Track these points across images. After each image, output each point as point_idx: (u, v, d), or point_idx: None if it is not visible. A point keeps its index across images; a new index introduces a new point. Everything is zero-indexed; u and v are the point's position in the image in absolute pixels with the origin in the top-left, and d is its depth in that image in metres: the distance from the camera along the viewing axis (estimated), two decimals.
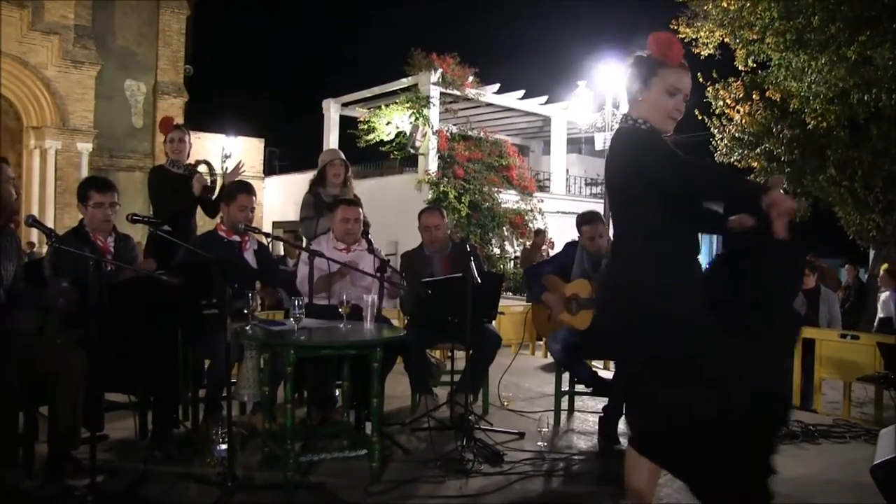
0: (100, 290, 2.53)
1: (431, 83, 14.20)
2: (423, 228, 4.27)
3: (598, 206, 10.82)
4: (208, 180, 4.45)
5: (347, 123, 16.40)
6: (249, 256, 3.78)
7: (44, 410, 2.85)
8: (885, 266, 7.49)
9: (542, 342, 6.68)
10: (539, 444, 3.48)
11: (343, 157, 4.58)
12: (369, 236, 4.08)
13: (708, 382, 1.98)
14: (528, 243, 12.61)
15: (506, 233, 14.84)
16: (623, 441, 3.68)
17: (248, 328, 2.98)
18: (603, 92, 13.20)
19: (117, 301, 2.83)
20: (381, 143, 14.96)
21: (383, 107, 14.89)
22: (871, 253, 10.35)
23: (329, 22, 39.39)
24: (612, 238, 4.03)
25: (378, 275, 3.73)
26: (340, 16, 38.35)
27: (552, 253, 9.53)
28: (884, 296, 7.87)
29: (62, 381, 2.73)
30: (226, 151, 17.85)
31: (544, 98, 16.49)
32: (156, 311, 3.06)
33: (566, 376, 4.12)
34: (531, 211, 15.15)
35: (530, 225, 14.54)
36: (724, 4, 8.45)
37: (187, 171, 4.36)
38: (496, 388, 4.33)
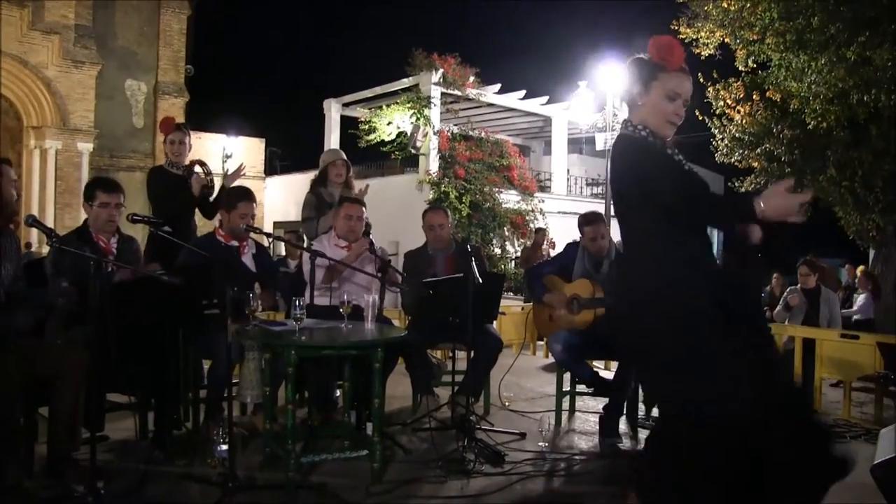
0: (101, 290, 2.54)
1: (432, 83, 14.20)
2: (428, 227, 4.27)
3: (599, 207, 10.82)
4: (206, 180, 4.45)
5: (348, 123, 16.40)
6: (248, 261, 3.78)
7: (44, 411, 2.86)
8: (861, 268, 7.51)
9: (542, 342, 6.68)
10: (540, 444, 3.49)
11: (345, 157, 4.58)
12: (370, 236, 4.08)
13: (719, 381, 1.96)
14: (528, 243, 12.61)
15: (507, 233, 14.83)
16: (624, 440, 3.69)
17: (248, 328, 2.99)
18: (604, 92, 13.19)
19: (118, 301, 2.84)
20: (382, 143, 14.96)
21: (384, 107, 14.89)
22: (871, 253, 10.35)
23: (330, 22, 39.39)
24: (614, 240, 4.05)
25: (378, 275, 3.73)
26: (341, 16, 38.37)
27: (552, 253, 9.54)
28: (861, 298, 7.90)
29: (62, 381, 2.73)
30: (227, 151, 17.87)
31: (545, 98, 16.49)
32: (157, 311, 3.06)
33: (567, 376, 4.12)
34: (532, 211, 15.15)
35: (531, 225, 14.52)
36: (725, 5, 8.45)
37: (185, 171, 4.36)
38: (497, 388, 4.33)
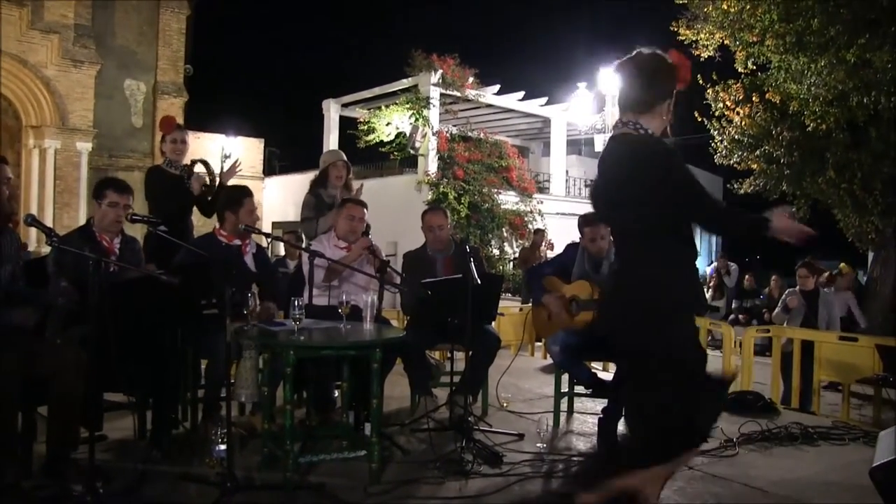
0: (100, 289, 2.53)
1: (431, 84, 14.20)
2: (427, 228, 4.27)
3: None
4: (206, 180, 4.45)
5: (347, 124, 16.39)
6: (249, 260, 3.79)
7: (43, 410, 2.85)
8: (843, 266, 7.51)
9: (541, 343, 6.68)
10: (538, 445, 3.48)
11: (345, 158, 4.59)
12: (369, 237, 4.08)
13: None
14: (527, 244, 12.61)
15: (505, 234, 14.83)
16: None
17: (247, 328, 2.99)
18: (603, 93, 13.20)
19: (117, 301, 2.83)
20: (381, 143, 14.95)
21: (383, 107, 14.89)
22: (870, 255, 10.35)
23: (329, 22, 39.39)
24: (612, 240, 4.05)
25: (378, 275, 3.73)
26: (341, 16, 38.37)
27: (550, 254, 9.54)
28: (845, 296, 7.91)
29: (61, 380, 2.72)
30: (226, 151, 17.83)
31: (544, 99, 16.49)
32: (155, 310, 3.06)
33: (565, 378, 4.12)
34: (531, 212, 15.14)
35: (530, 226, 14.52)
36: (724, 7, 8.44)
37: (184, 171, 4.36)
38: (495, 389, 4.33)
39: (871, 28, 7.27)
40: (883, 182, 8.33)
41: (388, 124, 14.65)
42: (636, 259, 2.21)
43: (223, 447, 2.69)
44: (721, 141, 9.85)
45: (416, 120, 14.18)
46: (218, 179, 4.51)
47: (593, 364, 5.02)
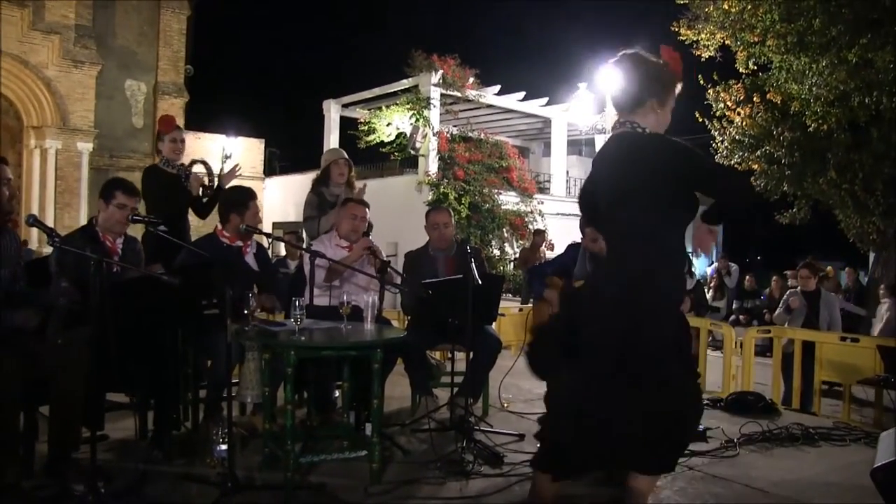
0: (102, 290, 2.53)
1: (432, 84, 14.20)
2: (432, 226, 4.27)
3: None
4: (205, 180, 4.46)
5: (348, 124, 16.39)
6: (250, 260, 3.80)
7: (44, 410, 2.85)
8: (829, 269, 7.51)
9: None
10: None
11: (346, 156, 4.59)
12: (370, 237, 4.08)
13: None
14: (527, 244, 12.60)
15: (506, 234, 14.83)
16: None
17: (248, 329, 2.99)
18: (603, 94, 13.20)
19: (119, 301, 2.83)
20: (382, 144, 14.96)
21: (384, 108, 14.89)
22: (872, 256, 10.35)
23: (329, 22, 39.41)
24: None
25: (378, 275, 3.73)
26: (341, 16, 38.38)
27: (550, 255, 9.54)
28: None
29: (62, 380, 2.73)
30: (226, 152, 17.84)
31: (545, 100, 16.49)
32: (157, 311, 3.06)
33: None
34: (531, 213, 15.15)
35: (530, 227, 14.52)
36: (725, 7, 8.44)
37: (181, 170, 4.36)
38: (496, 389, 4.33)
39: (872, 28, 7.27)
40: (884, 182, 8.33)
41: (388, 125, 14.65)
42: (633, 256, 2.21)
43: (224, 447, 2.69)
44: (722, 141, 9.85)
45: (417, 120, 14.18)
46: (217, 181, 4.52)
47: None
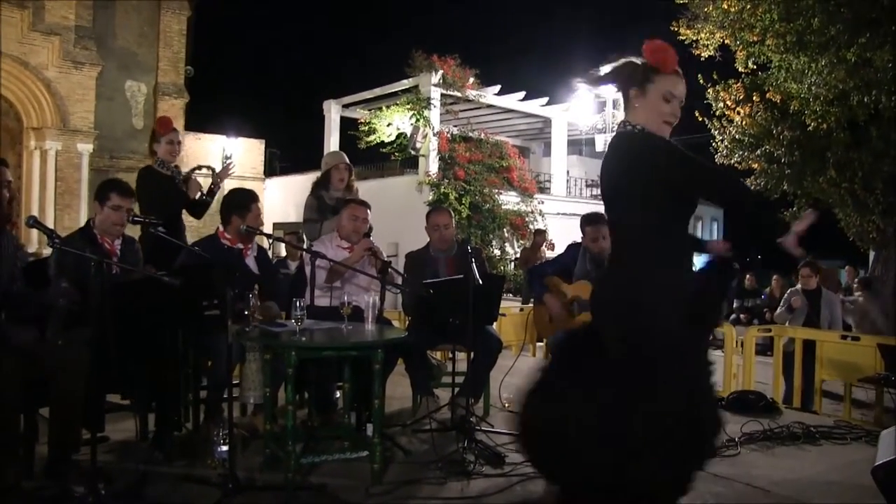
0: (102, 291, 2.53)
1: (432, 84, 14.20)
2: (433, 227, 4.27)
3: (599, 208, 10.72)
4: (203, 188, 4.46)
5: (348, 125, 16.40)
6: (251, 262, 3.79)
7: (44, 412, 2.85)
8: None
9: (542, 344, 6.67)
10: None
11: (347, 160, 4.59)
12: (370, 238, 4.08)
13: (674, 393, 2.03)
14: (527, 244, 12.61)
15: (506, 234, 14.83)
16: None
17: (249, 329, 2.99)
18: (603, 94, 13.21)
19: (120, 302, 2.83)
20: (382, 144, 14.96)
21: (384, 108, 14.89)
22: (872, 255, 10.35)
23: (330, 23, 39.41)
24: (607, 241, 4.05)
25: (379, 276, 3.73)
26: (341, 17, 38.38)
27: (551, 254, 9.54)
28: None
29: (62, 381, 2.73)
30: (226, 152, 17.83)
31: (545, 100, 16.49)
32: (157, 312, 3.06)
33: None
34: (532, 212, 15.15)
35: (531, 226, 14.53)
36: (725, 6, 8.45)
37: (175, 172, 4.35)
38: (497, 389, 4.33)
39: (871, 27, 7.27)
40: (884, 181, 8.33)
41: (388, 125, 14.66)
42: (621, 259, 2.21)
43: (225, 448, 2.70)
44: (722, 140, 9.85)
45: (417, 120, 14.18)
46: (215, 183, 4.53)
47: None
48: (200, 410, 3.64)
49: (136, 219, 3.36)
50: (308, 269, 3.61)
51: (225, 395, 3.02)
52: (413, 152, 14.41)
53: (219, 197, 4.36)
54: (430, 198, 13.61)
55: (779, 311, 6.34)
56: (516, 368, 4.72)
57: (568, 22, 35.55)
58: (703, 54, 9.12)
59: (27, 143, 15.67)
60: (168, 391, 3.26)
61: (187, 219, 4.56)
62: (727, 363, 5.43)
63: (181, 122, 17.67)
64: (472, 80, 14.64)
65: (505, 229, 14.75)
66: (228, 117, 19.39)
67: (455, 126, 15.42)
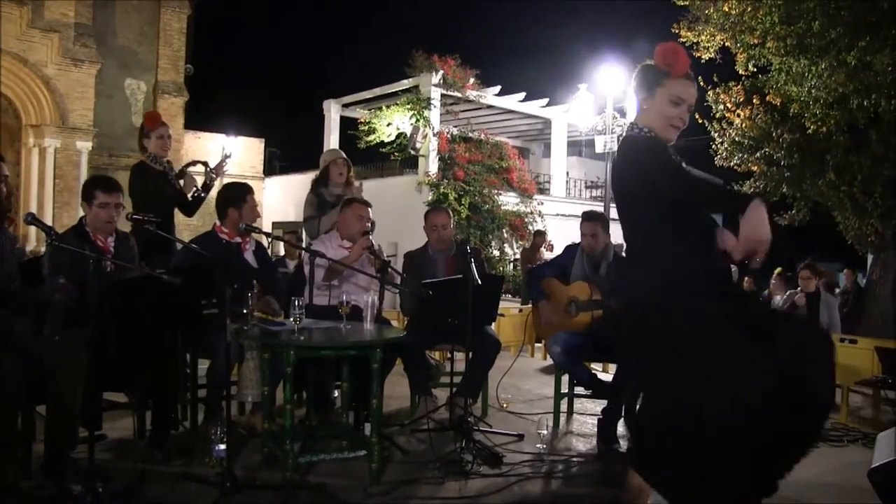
0: (101, 288, 2.53)
1: (432, 85, 14.21)
2: (431, 228, 4.28)
3: (598, 209, 10.82)
4: (199, 183, 4.46)
5: (348, 124, 16.40)
6: (249, 257, 3.80)
7: (41, 410, 2.85)
8: (778, 270, 7.50)
9: (541, 344, 6.68)
10: (538, 446, 3.48)
11: (345, 156, 4.59)
12: (371, 236, 4.08)
13: (715, 382, 1.99)
14: (527, 245, 12.61)
15: (506, 235, 14.84)
16: (622, 443, 3.69)
17: (247, 328, 2.99)
18: (604, 95, 13.21)
19: (118, 300, 2.83)
20: (382, 144, 14.96)
21: (384, 108, 14.89)
22: (870, 258, 10.35)
23: (330, 22, 39.40)
24: (614, 242, 4.06)
25: (378, 275, 3.73)
26: (342, 16, 38.38)
27: (549, 255, 9.54)
28: (777, 299, 7.92)
29: (59, 379, 2.72)
30: (226, 151, 17.82)
31: (545, 100, 16.50)
32: (156, 310, 3.06)
33: (565, 378, 4.12)
34: (531, 213, 15.16)
35: (530, 227, 14.54)
36: (726, 9, 8.45)
37: (167, 167, 4.34)
38: (495, 389, 4.33)
39: (871, 31, 7.27)
40: (883, 185, 8.33)
41: (388, 125, 14.66)
42: (647, 258, 2.21)
43: (223, 447, 2.69)
44: (721, 143, 9.85)
45: (417, 120, 14.19)
46: (210, 178, 4.54)
47: (593, 365, 5.03)
48: (199, 409, 3.64)
49: (135, 217, 3.35)
50: (307, 269, 3.61)
51: (223, 394, 3.02)
52: (413, 152, 14.42)
53: (212, 196, 4.35)
54: (430, 198, 13.62)
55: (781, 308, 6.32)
56: (515, 369, 4.73)
57: (568, 23, 35.57)
58: (703, 56, 9.13)
59: (26, 141, 15.65)
60: (166, 390, 3.25)
61: (186, 217, 4.56)
62: None
63: (181, 120, 17.65)
64: (472, 80, 14.65)
65: (504, 230, 14.75)
66: (228, 116, 19.40)
67: (455, 126, 15.43)
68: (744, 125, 9.37)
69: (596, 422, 3.82)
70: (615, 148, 11.80)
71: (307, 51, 39.99)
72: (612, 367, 4.52)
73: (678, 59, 2.20)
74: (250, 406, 3.68)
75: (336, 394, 3.79)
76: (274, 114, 26.61)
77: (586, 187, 19.68)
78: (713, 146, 10.03)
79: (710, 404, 1.97)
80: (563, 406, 4.24)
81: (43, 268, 3.08)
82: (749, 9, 8.22)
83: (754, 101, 9.20)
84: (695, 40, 9.10)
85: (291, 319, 2.97)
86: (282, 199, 18.59)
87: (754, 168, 9.60)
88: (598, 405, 4.03)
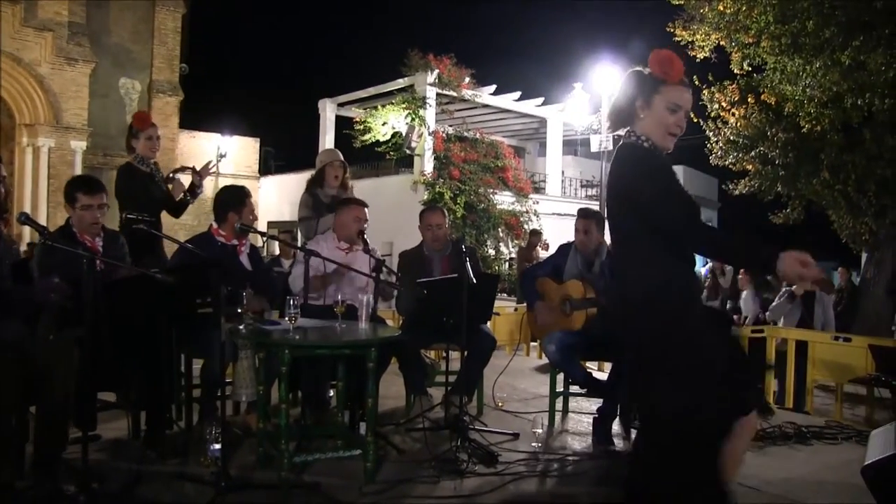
0: (95, 288, 2.52)
1: (428, 84, 14.20)
2: (426, 227, 4.28)
3: (594, 208, 10.82)
4: (186, 187, 4.45)
5: (343, 123, 16.38)
6: (244, 259, 3.78)
7: (34, 410, 2.83)
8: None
9: (536, 343, 6.69)
10: (533, 444, 3.49)
11: (342, 158, 4.58)
12: (365, 236, 4.07)
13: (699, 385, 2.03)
14: (522, 244, 12.62)
15: (501, 234, 14.85)
16: (616, 442, 3.70)
17: (242, 327, 2.98)
18: (599, 94, 13.23)
19: (111, 300, 2.82)
20: (377, 143, 14.95)
21: (379, 107, 14.89)
22: (864, 256, 10.40)
23: (326, 22, 39.33)
24: (608, 241, 4.06)
25: (374, 275, 3.73)
26: (337, 15, 38.32)
27: (544, 254, 9.55)
28: (744, 294, 7.95)
29: (51, 379, 2.70)
30: (221, 151, 17.79)
31: (540, 100, 16.51)
32: (150, 310, 3.05)
33: (561, 377, 4.13)
34: (527, 212, 15.17)
35: (526, 226, 14.55)
36: (720, 8, 8.47)
37: (154, 169, 4.33)
38: (491, 388, 4.34)
39: (865, 30, 7.30)
40: (877, 183, 8.36)
41: (384, 124, 14.65)
42: (625, 262, 2.22)
43: (218, 446, 2.69)
44: (716, 142, 9.88)
45: (413, 120, 14.18)
46: (212, 181, 4.53)
47: (588, 364, 5.04)
48: (193, 409, 3.63)
49: (129, 217, 3.34)
50: (302, 268, 3.60)
51: (218, 394, 3.01)
52: (408, 151, 14.42)
53: (209, 196, 4.34)
54: (425, 197, 13.61)
55: (776, 302, 6.33)
56: (510, 368, 4.74)
57: (563, 22, 35.62)
58: (698, 56, 9.15)
59: (19, 140, 15.59)
60: (160, 389, 3.24)
61: (185, 218, 4.55)
62: None
63: (175, 119, 17.61)
64: (467, 79, 14.65)
65: (500, 229, 14.76)
66: (223, 115, 19.36)
67: (450, 126, 15.44)
68: (738, 124, 9.39)
69: (591, 420, 3.83)
70: (610, 147, 11.83)
71: (303, 50, 39.91)
72: (608, 366, 4.53)
73: (673, 66, 2.19)
74: (245, 405, 3.68)
75: (331, 393, 3.79)
76: (269, 113, 26.53)
77: (582, 186, 19.70)
78: (708, 145, 10.05)
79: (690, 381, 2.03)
80: (559, 405, 4.24)
81: (32, 270, 3.06)
82: (744, 8, 8.24)
83: (749, 100, 9.22)
84: (690, 39, 9.12)
85: (287, 318, 2.97)
86: (277, 198, 18.56)
87: (749, 167, 9.63)
88: (594, 404, 4.03)
